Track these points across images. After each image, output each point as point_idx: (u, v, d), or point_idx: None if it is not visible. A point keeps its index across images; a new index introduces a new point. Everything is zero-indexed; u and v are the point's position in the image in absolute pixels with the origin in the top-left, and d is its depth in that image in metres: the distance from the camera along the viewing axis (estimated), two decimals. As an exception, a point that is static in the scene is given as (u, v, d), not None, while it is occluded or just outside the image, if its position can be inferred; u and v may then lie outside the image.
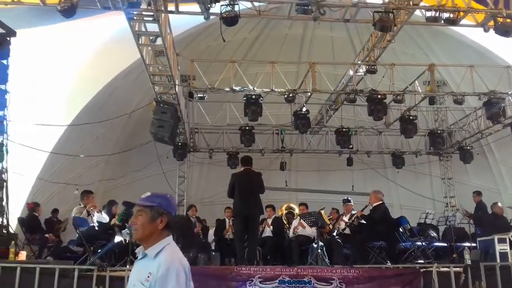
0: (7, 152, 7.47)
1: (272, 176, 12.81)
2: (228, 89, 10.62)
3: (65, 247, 8.80)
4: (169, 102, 10.02)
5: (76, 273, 6.09)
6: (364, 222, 8.26)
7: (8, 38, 7.55)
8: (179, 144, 12.23)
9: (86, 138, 12.15)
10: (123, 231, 7.95)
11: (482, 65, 10.88)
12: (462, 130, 12.91)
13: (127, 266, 6.68)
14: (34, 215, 8.15)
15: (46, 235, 8.12)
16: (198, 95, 10.92)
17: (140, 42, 8.19)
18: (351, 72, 10.93)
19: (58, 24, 9.29)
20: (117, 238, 7.59)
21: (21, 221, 8.10)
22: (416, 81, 11.12)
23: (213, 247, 9.64)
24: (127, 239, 7.62)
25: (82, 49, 11.19)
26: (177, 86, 9.92)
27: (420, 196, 14.01)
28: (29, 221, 8.00)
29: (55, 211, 10.78)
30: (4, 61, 7.72)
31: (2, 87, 7.63)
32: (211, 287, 6.05)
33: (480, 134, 12.48)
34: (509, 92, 10.73)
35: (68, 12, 6.65)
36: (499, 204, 9.64)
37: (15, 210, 8.81)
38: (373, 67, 10.24)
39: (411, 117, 11.53)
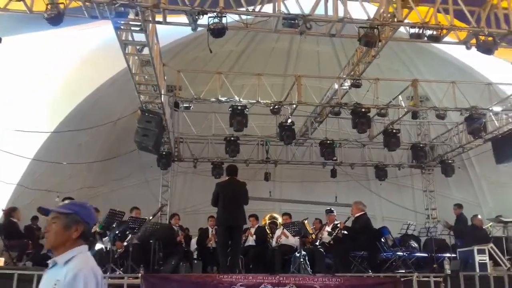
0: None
1: (256, 186, 12.83)
2: (214, 99, 10.66)
3: (44, 254, 8.65)
4: (154, 111, 10.02)
5: (55, 280, 5.98)
6: (347, 233, 8.31)
7: (-8, 45, 7.49)
8: (164, 153, 12.21)
9: (69, 146, 12.02)
10: (104, 239, 7.96)
11: (464, 81, 11.12)
12: (444, 144, 13.16)
13: (108, 274, 6.59)
14: (11, 220, 7.97)
15: (26, 241, 7.96)
16: (184, 105, 10.95)
17: (126, 51, 8.19)
18: (336, 86, 11.07)
19: (45, 31, 9.27)
20: (98, 246, 7.55)
21: (0, 226, 7.94)
22: (399, 96, 11.31)
23: (195, 256, 9.58)
24: (108, 246, 7.59)
25: (68, 56, 11.15)
26: (162, 95, 9.93)
27: (402, 208, 14.16)
28: (5, 227, 7.82)
29: (35, 218, 10.60)
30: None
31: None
32: (193, 294, 6.02)
33: (461, 149, 12.73)
34: (490, 108, 10.97)
35: (55, 20, 6.63)
36: (479, 217, 9.80)
37: (-6, 217, 8.66)
38: (357, 81, 10.38)
39: (394, 131, 11.73)
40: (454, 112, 11.40)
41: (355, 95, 11.55)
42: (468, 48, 7.79)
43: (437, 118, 11.30)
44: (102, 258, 7.38)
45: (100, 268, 2.40)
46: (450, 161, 13.05)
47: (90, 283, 2.25)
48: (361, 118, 10.68)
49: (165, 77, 10.34)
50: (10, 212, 8.08)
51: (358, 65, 10.07)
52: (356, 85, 10.43)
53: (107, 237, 7.81)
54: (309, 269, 7.82)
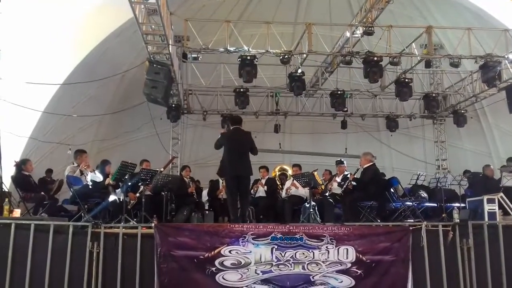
0: (-2, 110, 7.39)
1: (266, 138, 12.87)
2: (222, 49, 10.46)
3: (59, 206, 8.86)
4: (162, 62, 9.90)
5: (70, 230, 6.13)
6: (356, 184, 8.35)
7: (-3, -3, 7.33)
8: (173, 105, 12.18)
9: (79, 98, 12.05)
10: (117, 190, 8.09)
11: (480, 27, 10.77)
12: (457, 93, 12.94)
13: (122, 224, 6.75)
14: (23, 173, 8.10)
15: (42, 193, 8.12)
16: (192, 56, 10.76)
17: (133, 0, 7.99)
18: (347, 34, 10.78)
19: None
20: (112, 197, 7.69)
21: (14, 179, 8.08)
22: (413, 44, 11.01)
23: (206, 207, 9.75)
24: (121, 197, 7.73)
25: (74, 7, 10.92)
26: (170, 46, 9.76)
27: (412, 158, 14.17)
28: (17, 180, 7.95)
29: (49, 171, 10.81)
30: (-6, 19, 7.52)
31: (-7, 45, 7.46)
32: (205, 243, 6.14)
33: (474, 98, 12.55)
34: (506, 56, 10.66)
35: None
36: (491, 167, 9.75)
37: (8, 170, 8.80)
38: (370, 28, 10.12)
39: (406, 80, 11.51)
40: (469, 61, 11.13)
41: (367, 44, 11.25)
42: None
43: (451, 66, 11.05)
44: (116, 209, 7.56)
45: None
46: (462, 111, 12.89)
47: None
48: (373, 67, 10.44)
49: (172, 27, 10.12)
50: (20, 164, 8.18)
51: (371, 11, 9.76)
52: (368, 32, 10.17)
53: (119, 189, 7.94)
54: (318, 219, 7.95)
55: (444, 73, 13.19)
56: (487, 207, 7.22)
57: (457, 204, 8.96)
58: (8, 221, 6.15)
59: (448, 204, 9.26)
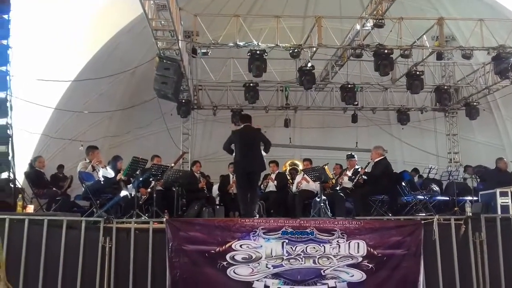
0: (11, 108, 7.45)
1: (276, 133, 12.83)
2: (232, 44, 10.45)
3: (72, 202, 8.96)
4: (172, 58, 9.91)
5: (83, 225, 6.20)
6: (366, 178, 8.31)
7: (9, -7, 7.37)
8: (183, 101, 12.20)
9: (90, 95, 12.14)
10: (128, 186, 8.15)
11: (492, 18, 10.60)
12: (469, 86, 12.79)
13: (133, 219, 6.80)
14: (36, 170, 8.20)
15: (54, 189, 8.22)
16: (202, 51, 10.76)
17: (142, -4, 8.02)
18: (358, 27, 10.69)
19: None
20: (123, 192, 7.75)
21: (27, 175, 8.19)
22: (424, 36, 10.88)
23: (217, 202, 9.78)
24: (132, 193, 7.79)
25: (85, 4, 10.97)
26: (180, 41, 9.78)
27: (424, 152, 14.03)
28: (31, 176, 8.06)
29: (61, 167, 10.92)
30: (6, 16, 7.56)
31: (4, 42, 7.50)
32: (216, 237, 6.17)
33: (487, 90, 12.38)
34: (519, 47, 10.50)
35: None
36: (504, 159, 9.63)
37: (21, 166, 8.90)
38: (380, 21, 10.01)
39: (418, 73, 11.38)
40: (481, 52, 11.01)
41: (378, 36, 11.17)
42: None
43: (462, 58, 10.92)
44: (127, 204, 7.62)
45: None
46: (475, 103, 12.72)
47: None
48: (383, 60, 10.34)
49: (182, 22, 10.12)
50: (32, 162, 8.30)
51: (381, 3, 9.65)
52: (379, 25, 10.06)
53: (131, 184, 8.00)
54: (329, 213, 7.93)
55: (456, 65, 13.01)
56: (500, 200, 7.17)
57: (470, 198, 8.87)
58: (22, 217, 6.23)
59: (461, 198, 9.18)
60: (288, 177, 10.24)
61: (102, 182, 7.72)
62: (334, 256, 6.20)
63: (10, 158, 7.03)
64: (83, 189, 7.66)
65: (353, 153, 9.62)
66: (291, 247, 6.19)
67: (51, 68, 10.57)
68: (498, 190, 7.23)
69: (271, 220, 6.53)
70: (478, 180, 9.73)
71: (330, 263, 6.18)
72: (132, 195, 7.68)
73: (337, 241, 6.22)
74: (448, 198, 9.54)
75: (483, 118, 13.07)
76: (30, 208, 7.07)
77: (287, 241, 6.20)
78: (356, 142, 13.10)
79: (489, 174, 9.50)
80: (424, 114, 13.73)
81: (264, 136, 7.62)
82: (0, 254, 5.69)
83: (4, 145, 7.09)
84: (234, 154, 7.57)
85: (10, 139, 7.14)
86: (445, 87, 12.70)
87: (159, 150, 10.04)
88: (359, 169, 8.67)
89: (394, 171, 8.67)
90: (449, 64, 13.29)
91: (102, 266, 6.07)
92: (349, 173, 8.97)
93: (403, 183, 8.54)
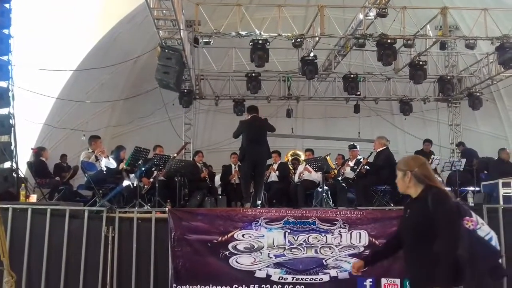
0: (13, 97, 7.46)
1: (278, 123, 12.64)
2: (234, 33, 10.40)
3: (75, 191, 9.00)
4: (174, 48, 9.89)
5: (86, 214, 6.23)
6: (369, 168, 8.30)
7: (10, -18, 7.33)
8: (185, 91, 12.18)
9: (92, 84, 12.12)
10: (131, 175, 8.16)
11: (496, 8, 10.53)
12: (473, 76, 12.71)
13: (136, 208, 6.83)
14: (40, 160, 8.23)
15: (57, 178, 8.25)
16: (204, 40, 10.71)
17: (143, -16, 7.97)
18: (361, 16, 10.60)
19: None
20: (125, 182, 7.78)
21: (29, 165, 8.21)
22: (427, 25, 10.80)
23: (219, 192, 9.81)
24: (135, 183, 7.81)
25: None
26: (182, 31, 9.73)
27: (426, 142, 13.96)
28: (36, 165, 8.09)
29: (64, 156, 10.95)
30: (7, 5, 7.53)
31: (6, 31, 7.48)
32: (219, 227, 6.19)
33: (490, 80, 12.33)
34: (523, 37, 10.42)
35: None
36: (507, 150, 9.61)
37: (24, 156, 8.93)
38: (383, 10, 9.92)
39: (421, 62, 11.33)
40: (485, 42, 10.90)
41: (381, 26, 11.07)
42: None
43: (466, 48, 10.85)
44: (130, 194, 7.65)
45: None
46: (478, 94, 12.67)
47: None
48: (386, 49, 10.29)
49: (184, 12, 10.06)
50: (39, 151, 8.32)
51: (384, -8, 9.57)
52: (382, 14, 9.97)
53: (133, 174, 8.02)
54: (331, 203, 7.94)
55: (459, 55, 12.93)
56: (502, 191, 7.17)
57: (472, 188, 8.86)
58: (25, 206, 6.27)
59: (463, 188, 9.17)
60: (290, 167, 10.24)
61: (104, 172, 7.74)
62: (336, 246, 6.22)
63: (12, 147, 7.05)
64: (86, 178, 7.69)
65: (355, 143, 9.60)
66: (293, 237, 6.21)
67: (53, 58, 10.56)
68: (500, 181, 7.23)
69: (273, 210, 6.54)
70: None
71: (332, 252, 6.21)
72: (135, 185, 7.70)
73: (339, 231, 6.24)
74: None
75: (486, 108, 13.01)
76: (33, 198, 7.10)
77: (289, 231, 6.23)
78: (359, 132, 13.06)
79: (491, 164, 9.48)
80: (427, 104, 13.68)
81: (271, 125, 7.86)
82: (3, 244, 5.72)
83: (7, 135, 7.11)
84: (241, 143, 7.67)
85: (12, 128, 7.17)
86: (448, 77, 12.64)
87: (161, 140, 10.05)
88: (361, 159, 8.66)
89: (396, 162, 8.64)
90: (452, 54, 13.20)
91: (105, 255, 6.12)
92: (351, 163, 8.96)
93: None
